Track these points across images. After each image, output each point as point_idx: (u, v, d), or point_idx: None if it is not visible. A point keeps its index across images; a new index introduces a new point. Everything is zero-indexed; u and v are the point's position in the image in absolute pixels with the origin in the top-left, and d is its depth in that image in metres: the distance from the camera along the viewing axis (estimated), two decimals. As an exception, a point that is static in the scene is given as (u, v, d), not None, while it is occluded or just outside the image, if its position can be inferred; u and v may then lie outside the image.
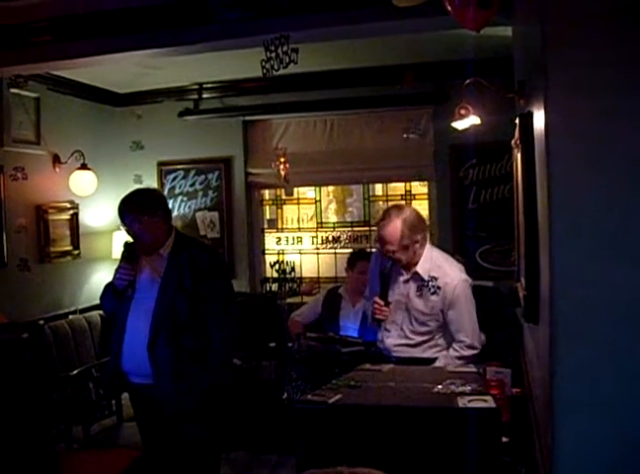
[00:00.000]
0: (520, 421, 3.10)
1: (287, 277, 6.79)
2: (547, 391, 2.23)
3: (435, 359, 3.92)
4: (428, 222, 6.77)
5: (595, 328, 2.07)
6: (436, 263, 3.97)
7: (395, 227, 3.84)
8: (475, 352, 3.88)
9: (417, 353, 3.95)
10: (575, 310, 2.09)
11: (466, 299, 3.92)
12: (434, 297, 3.90)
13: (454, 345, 3.91)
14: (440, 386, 2.73)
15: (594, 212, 2.07)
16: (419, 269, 3.94)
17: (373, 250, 6.01)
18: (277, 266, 6.84)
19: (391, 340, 4.02)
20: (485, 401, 2.51)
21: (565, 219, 2.11)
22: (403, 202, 6.60)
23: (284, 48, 2.99)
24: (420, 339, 3.97)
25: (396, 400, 2.66)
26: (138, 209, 3.66)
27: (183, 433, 3.67)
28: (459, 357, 3.85)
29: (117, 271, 3.70)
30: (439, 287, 3.88)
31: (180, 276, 3.65)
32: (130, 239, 3.77)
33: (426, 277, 3.93)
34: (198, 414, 3.63)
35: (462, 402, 2.51)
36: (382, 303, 3.95)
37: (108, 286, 3.82)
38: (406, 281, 4.00)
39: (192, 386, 3.58)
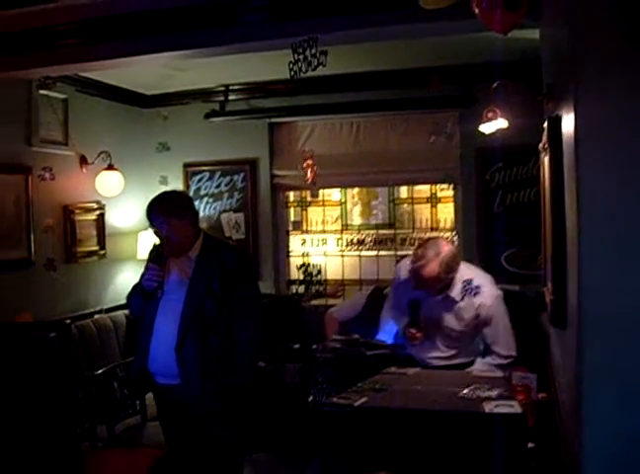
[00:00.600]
0: (546, 426, 3.08)
1: (314, 280, 6.79)
2: (574, 396, 2.21)
3: (467, 364, 3.94)
4: (453, 225, 6.78)
5: (623, 333, 2.05)
6: (467, 282, 3.94)
7: (432, 271, 3.79)
8: (509, 361, 3.88)
9: (448, 361, 3.99)
10: (603, 315, 2.07)
11: (500, 314, 3.92)
12: (467, 316, 3.90)
13: (493, 354, 3.93)
14: (465, 390, 2.72)
15: (623, 217, 2.06)
16: (452, 293, 3.93)
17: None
18: (303, 268, 6.84)
19: (424, 353, 4.05)
20: (511, 406, 2.49)
21: (594, 224, 2.10)
22: (439, 236, 6.39)
23: (313, 51, 2.98)
24: (453, 352, 4.01)
25: (422, 404, 2.64)
26: (166, 212, 3.68)
27: (207, 433, 3.68)
28: (498, 365, 3.82)
29: (145, 272, 3.71)
30: (471, 294, 3.88)
31: (208, 277, 3.66)
32: (159, 241, 3.78)
33: (458, 299, 3.92)
34: (223, 415, 3.64)
35: (488, 407, 2.50)
36: (415, 332, 3.95)
37: (135, 287, 3.84)
38: (438, 303, 3.97)
39: (219, 386, 3.59)
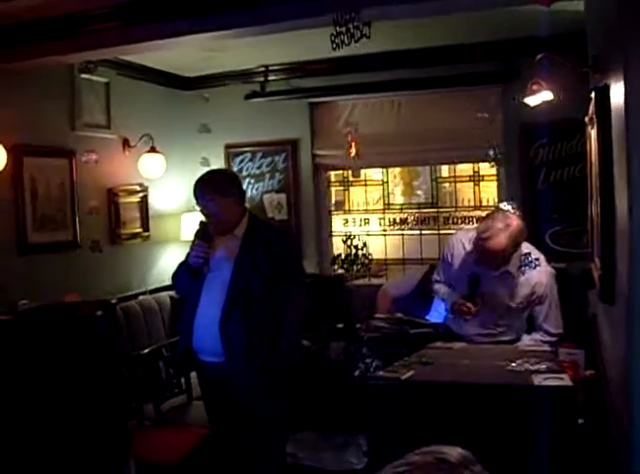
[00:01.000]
0: (595, 403, 3.04)
1: (358, 257, 6.77)
2: (623, 372, 2.17)
3: (512, 341, 3.92)
4: (496, 204, 6.69)
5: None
6: (524, 254, 3.90)
7: (500, 243, 3.71)
8: (558, 338, 3.86)
9: (498, 339, 3.95)
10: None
11: (554, 293, 3.92)
12: (523, 293, 3.87)
13: (538, 331, 3.92)
14: (513, 364, 2.69)
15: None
16: (509, 268, 3.87)
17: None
18: (348, 241, 6.83)
19: (471, 329, 4.00)
20: (561, 379, 2.46)
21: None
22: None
23: (355, 23, 2.94)
24: (502, 329, 3.98)
25: (470, 377, 2.63)
26: (213, 189, 3.71)
27: (251, 412, 3.70)
28: (544, 342, 3.81)
29: (191, 249, 3.74)
30: (529, 267, 3.86)
31: (254, 256, 3.68)
32: (205, 219, 3.80)
33: (515, 273, 3.88)
34: (266, 393, 3.66)
35: (538, 380, 2.47)
36: (472, 307, 3.86)
37: (181, 266, 3.88)
38: (493, 277, 3.91)
39: (263, 365, 3.60)
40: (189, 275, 3.77)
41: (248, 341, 3.61)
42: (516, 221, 3.79)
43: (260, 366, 3.60)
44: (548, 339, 3.85)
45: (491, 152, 6.27)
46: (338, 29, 2.91)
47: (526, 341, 3.87)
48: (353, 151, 6.33)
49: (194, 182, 3.81)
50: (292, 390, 3.89)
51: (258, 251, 3.68)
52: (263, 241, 3.72)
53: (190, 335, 3.75)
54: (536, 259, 3.90)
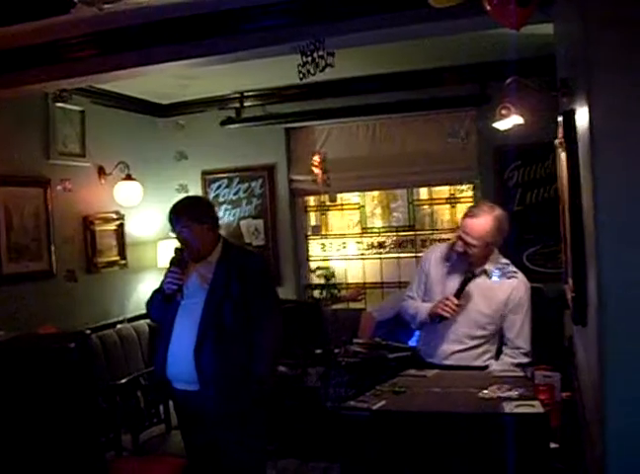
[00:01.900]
0: (571, 426, 3.04)
1: (330, 283, 6.79)
2: (597, 395, 2.18)
3: (486, 367, 3.83)
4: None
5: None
6: (503, 264, 3.91)
7: (487, 223, 3.75)
8: (528, 360, 3.79)
9: (467, 361, 3.85)
10: (623, 311, 2.04)
11: (528, 306, 3.86)
12: (498, 298, 3.83)
13: (509, 350, 3.83)
14: (485, 391, 2.68)
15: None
16: (487, 267, 3.87)
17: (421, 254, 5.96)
18: (317, 271, 6.84)
19: (444, 345, 3.91)
20: (532, 406, 2.46)
21: (612, 220, 2.08)
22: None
23: (320, 52, 2.97)
24: (473, 343, 3.87)
25: (441, 406, 2.62)
26: (188, 216, 3.71)
27: (227, 441, 3.67)
28: (516, 365, 3.74)
29: (165, 275, 3.73)
30: (506, 276, 3.84)
31: (227, 282, 3.68)
32: (179, 245, 3.80)
33: (493, 276, 3.86)
34: (242, 421, 3.63)
35: (509, 407, 2.46)
36: (455, 301, 3.79)
37: (155, 293, 3.87)
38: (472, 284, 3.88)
39: (237, 393, 3.58)
40: (163, 301, 3.75)
41: (222, 368, 3.58)
42: (501, 210, 3.86)
43: (233, 394, 3.58)
44: (519, 360, 3.78)
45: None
46: (304, 58, 2.93)
47: (497, 366, 3.78)
48: (319, 177, 6.36)
49: (168, 209, 3.81)
50: (271, 417, 3.86)
51: (232, 277, 3.68)
52: (237, 267, 3.72)
53: (164, 364, 3.73)
54: (514, 271, 3.89)
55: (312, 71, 2.96)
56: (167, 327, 3.76)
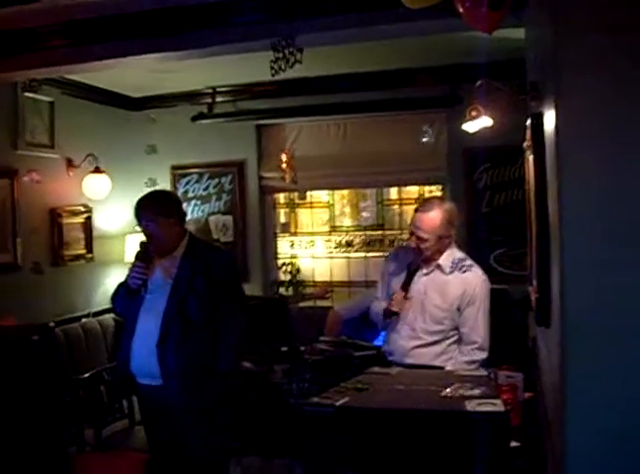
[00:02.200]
0: (533, 425, 3.08)
1: (297, 280, 6.79)
2: (558, 396, 2.20)
3: (444, 368, 3.84)
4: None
5: (605, 330, 2.05)
6: (458, 258, 3.95)
7: (436, 215, 3.83)
8: (485, 355, 3.82)
9: (426, 358, 3.86)
10: (585, 312, 2.07)
11: (485, 299, 3.88)
12: (452, 282, 3.86)
13: (464, 347, 3.85)
14: (448, 390, 2.70)
15: (604, 216, 2.06)
16: (441, 261, 3.91)
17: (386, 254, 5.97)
18: (284, 267, 6.84)
19: (402, 341, 3.93)
20: (494, 404, 2.48)
21: (575, 223, 2.11)
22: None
23: (291, 49, 2.99)
24: (431, 339, 3.88)
25: (404, 403, 2.63)
26: (154, 210, 3.70)
27: (190, 436, 3.66)
28: (469, 362, 3.79)
29: (130, 270, 3.72)
30: (460, 271, 3.87)
31: (192, 276, 3.67)
32: (145, 239, 3.78)
33: (447, 270, 3.90)
34: (205, 417, 3.63)
35: (470, 405, 2.49)
36: (403, 295, 3.88)
37: (120, 286, 3.86)
38: (425, 275, 3.94)
39: (200, 387, 3.58)
40: (128, 295, 3.73)
41: (185, 363, 3.58)
42: (450, 204, 4.03)
43: (197, 389, 3.58)
44: (471, 358, 3.80)
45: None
46: (276, 54, 2.94)
47: (451, 367, 3.79)
48: (287, 175, 6.37)
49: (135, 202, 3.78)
50: (235, 414, 3.85)
51: (196, 271, 3.68)
52: (202, 262, 3.72)
53: (128, 358, 3.71)
54: (470, 265, 3.92)
55: (283, 67, 2.97)
56: (131, 321, 3.74)
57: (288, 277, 6.66)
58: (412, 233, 3.92)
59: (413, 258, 3.96)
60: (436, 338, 3.89)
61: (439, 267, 3.92)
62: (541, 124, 2.62)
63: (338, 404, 2.59)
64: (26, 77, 5.45)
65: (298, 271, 6.78)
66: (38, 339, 3.55)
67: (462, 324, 3.86)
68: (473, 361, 3.79)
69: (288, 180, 6.32)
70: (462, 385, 2.74)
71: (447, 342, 3.90)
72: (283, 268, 6.83)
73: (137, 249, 3.77)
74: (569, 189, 2.09)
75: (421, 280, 3.94)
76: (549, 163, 2.47)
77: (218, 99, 7.07)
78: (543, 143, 2.61)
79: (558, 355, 2.19)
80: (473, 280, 3.87)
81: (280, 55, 2.91)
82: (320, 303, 6.84)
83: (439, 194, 6.88)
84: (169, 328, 3.60)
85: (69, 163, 6.31)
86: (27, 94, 5.77)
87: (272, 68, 2.97)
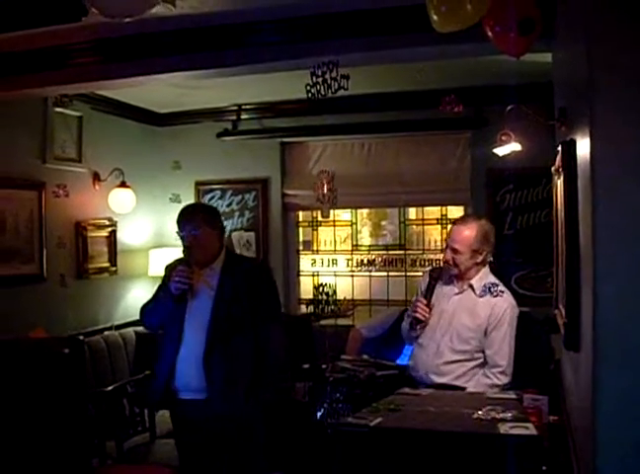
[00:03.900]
0: (558, 449, 3.07)
1: (329, 300, 6.78)
2: (589, 422, 2.20)
3: (465, 389, 3.83)
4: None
5: (639, 357, 2.05)
6: (491, 283, 3.95)
7: (472, 229, 3.90)
8: (507, 380, 3.82)
9: (449, 377, 3.86)
10: (618, 339, 2.07)
11: (512, 324, 3.88)
12: (482, 305, 3.88)
13: (487, 370, 3.85)
14: (480, 412, 2.71)
15: (639, 242, 2.06)
16: (474, 282, 3.94)
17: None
18: (320, 288, 6.83)
19: (426, 357, 3.94)
20: (526, 428, 2.49)
21: (609, 249, 2.10)
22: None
23: (333, 74, 3.01)
24: (456, 357, 3.89)
25: (437, 425, 2.64)
26: (200, 219, 3.73)
27: (226, 452, 3.66)
28: (491, 385, 3.78)
29: (173, 275, 3.66)
30: (492, 295, 3.88)
31: (233, 287, 3.69)
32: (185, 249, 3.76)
33: (478, 292, 3.92)
34: (243, 433, 3.63)
35: (504, 428, 2.50)
36: (425, 302, 3.94)
37: (152, 300, 3.86)
38: (456, 294, 3.98)
39: (246, 397, 3.60)
40: (167, 303, 3.69)
41: (231, 372, 3.59)
42: (487, 221, 4.08)
43: (242, 401, 3.59)
44: (494, 382, 3.80)
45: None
46: (314, 79, 2.96)
47: (473, 388, 3.79)
48: (327, 197, 6.35)
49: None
50: (271, 431, 3.86)
51: (238, 283, 3.69)
52: (242, 274, 3.74)
53: (172, 372, 3.68)
54: (502, 291, 3.92)
55: (323, 92, 2.99)
56: (172, 336, 3.71)
57: (318, 298, 6.63)
58: (447, 246, 3.99)
59: (454, 278, 4.00)
60: (460, 357, 3.89)
61: (471, 287, 3.95)
62: (573, 151, 2.64)
63: (372, 424, 2.61)
64: (56, 93, 5.53)
65: (335, 291, 6.77)
66: (68, 352, 3.59)
67: (488, 347, 3.86)
68: (495, 385, 3.79)
69: (327, 200, 6.29)
70: (494, 408, 2.75)
71: (472, 363, 3.90)
72: (320, 288, 6.82)
73: (181, 255, 3.79)
74: (603, 216, 2.10)
75: (452, 300, 3.98)
76: (582, 189, 2.48)
77: (243, 116, 7.13)
78: (575, 170, 2.63)
79: (589, 381, 2.19)
80: (503, 304, 3.88)
81: (320, 80, 2.92)
82: (341, 321, 6.84)
83: (461, 214, 6.88)
84: (215, 340, 3.60)
85: (96, 177, 6.38)
86: (57, 109, 5.85)
87: (308, 92, 2.97)
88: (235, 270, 3.77)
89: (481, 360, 3.90)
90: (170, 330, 3.75)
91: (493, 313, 3.85)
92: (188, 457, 3.85)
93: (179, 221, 3.77)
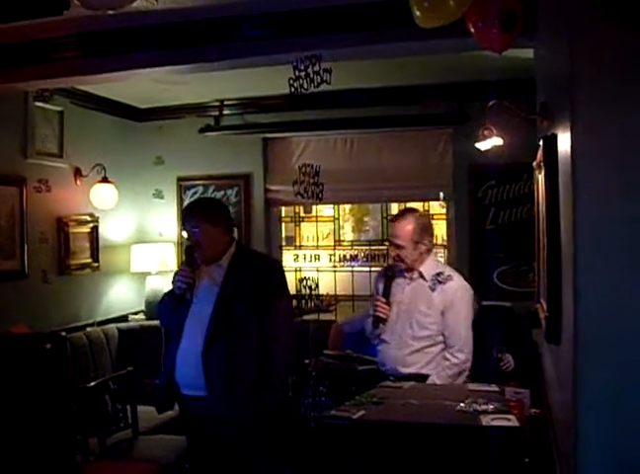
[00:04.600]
0: (540, 442, 3.10)
1: (313, 294, 6.77)
2: (570, 414, 2.22)
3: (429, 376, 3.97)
4: (445, 242, 6.83)
5: (619, 351, 2.08)
6: (439, 266, 4.20)
7: (409, 222, 4.09)
8: (464, 357, 3.97)
9: (417, 366, 4.00)
10: (599, 331, 2.10)
11: (465, 303, 4.07)
12: (436, 294, 4.03)
13: (446, 352, 4.00)
14: (462, 404, 2.73)
15: (619, 236, 2.08)
16: (423, 269, 4.11)
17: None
18: (304, 282, 6.82)
19: (392, 351, 4.09)
20: (508, 420, 2.51)
21: (590, 243, 2.13)
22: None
23: (316, 68, 3.01)
24: (420, 345, 4.03)
25: (420, 417, 2.66)
26: (200, 217, 3.71)
27: (233, 449, 3.64)
28: (451, 366, 3.95)
29: (175, 275, 3.70)
30: (441, 283, 4.04)
31: (239, 283, 3.65)
32: (191, 245, 3.77)
33: (429, 278, 4.08)
34: (249, 430, 3.59)
35: (486, 420, 2.52)
36: (384, 301, 4.10)
37: (166, 295, 3.86)
38: (408, 284, 4.14)
39: (245, 398, 3.56)
40: (173, 302, 3.70)
41: (230, 371, 3.54)
42: (421, 213, 4.50)
43: (240, 401, 3.55)
44: (454, 360, 3.95)
45: (441, 194, 6.47)
46: (297, 73, 2.96)
47: (435, 376, 3.94)
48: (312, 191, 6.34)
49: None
50: (280, 426, 3.84)
51: (244, 279, 3.65)
52: (249, 269, 3.71)
53: (173, 368, 3.68)
54: (449, 275, 4.10)
55: (306, 86, 2.99)
56: (177, 330, 3.71)
57: (301, 293, 6.64)
58: (391, 243, 4.19)
59: (404, 271, 4.16)
60: (423, 343, 4.04)
61: (421, 275, 4.11)
62: (555, 146, 2.65)
63: (355, 417, 2.62)
64: (37, 87, 5.49)
65: (317, 285, 6.77)
66: (50, 347, 3.57)
67: (445, 328, 4.03)
68: (454, 365, 3.95)
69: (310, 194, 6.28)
70: (476, 400, 2.77)
71: (435, 349, 4.04)
72: (303, 282, 6.81)
73: (184, 254, 3.80)
74: (584, 209, 2.12)
75: (405, 290, 4.15)
76: (563, 183, 2.50)
77: (226, 111, 7.12)
78: (556, 165, 2.64)
79: (570, 374, 2.21)
80: (454, 286, 4.06)
81: (303, 74, 2.93)
82: (323, 316, 6.84)
83: (443, 210, 6.93)
84: (215, 334, 3.57)
85: (77, 172, 6.34)
86: (37, 103, 5.81)
87: (291, 86, 2.98)
88: (243, 266, 3.72)
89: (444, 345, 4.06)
90: (174, 325, 3.74)
91: (445, 296, 4.03)
92: (198, 452, 3.84)
93: (182, 219, 3.79)
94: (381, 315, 4.08)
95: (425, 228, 4.14)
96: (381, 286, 4.21)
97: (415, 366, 4.00)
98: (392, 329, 4.10)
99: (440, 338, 4.03)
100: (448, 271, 4.17)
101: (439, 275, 4.07)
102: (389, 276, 4.18)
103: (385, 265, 5.63)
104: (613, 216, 2.09)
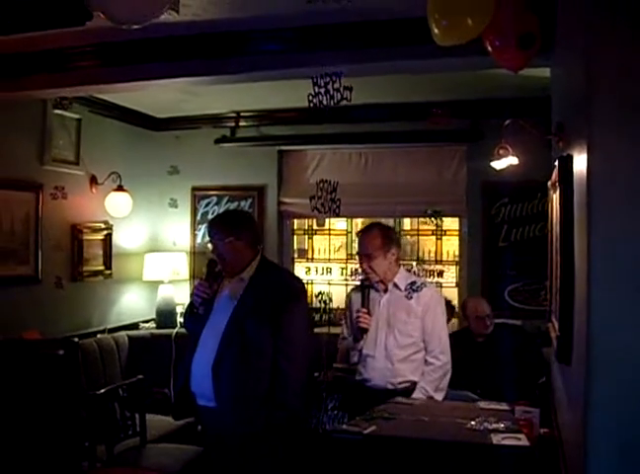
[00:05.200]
0: (549, 462, 3.09)
1: (327, 308, 6.76)
2: (579, 435, 2.21)
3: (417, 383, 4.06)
4: (457, 259, 6.82)
5: (632, 371, 2.07)
6: (412, 276, 4.42)
7: (376, 233, 4.26)
8: (446, 359, 4.13)
9: (405, 374, 4.10)
10: (611, 353, 2.09)
11: (441, 308, 4.28)
12: (413, 301, 4.18)
13: (427, 356, 4.15)
14: (473, 422, 2.73)
15: (633, 257, 2.08)
16: (397, 280, 4.25)
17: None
18: (319, 296, 6.82)
19: (378, 364, 4.16)
20: (519, 439, 2.51)
21: (604, 264, 2.12)
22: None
23: (336, 85, 3.02)
24: (405, 353, 4.14)
25: (431, 434, 2.67)
26: (224, 230, 3.70)
27: (241, 463, 3.58)
28: (436, 369, 4.09)
29: (195, 287, 3.73)
30: (416, 291, 4.18)
31: (257, 299, 3.60)
32: (214, 258, 3.77)
33: (404, 287, 4.21)
34: (257, 444, 3.53)
35: (496, 439, 2.52)
36: (366, 311, 4.17)
37: (188, 306, 3.87)
38: (382, 297, 4.26)
39: (253, 413, 3.50)
40: (191, 313, 3.75)
41: (239, 385, 3.50)
42: (385, 224, 4.71)
43: (249, 415, 3.50)
44: (436, 363, 4.09)
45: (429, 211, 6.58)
46: (317, 89, 2.97)
47: (419, 391, 3.99)
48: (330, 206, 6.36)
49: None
50: (294, 442, 3.78)
51: (262, 294, 3.61)
52: (269, 284, 3.66)
53: (188, 377, 3.67)
54: (422, 283, 4.29)
55: (325, 103, 3.00)
56: (194, 342, 3.71)
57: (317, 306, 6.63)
58: (360, 257, 4.29)
59: (376, 283, 4.28)
60: (409, 351, 4.17)
61: (396, 285, 4.25)
62: (570, 167, 2.65)
63: (366, 432, 2.62)
64: (56, 95, 5.55)
65: (331, 299, 6.77)
66: (63, 353, 3.58)
67: (424, 333, 4.17)
68: (439, 367, 4.10)
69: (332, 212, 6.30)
70: (487, 419, 2.77)
71: (421, 355, 4.17)
72: (320, 296, 6.80)
73: (207, 268, 3.79)
74: (598, 230, 2.12)
75: (382, 303, 4.26)
76: (578, 204, 2.50)
77: (242, 123, 7.16)
78: (571, 185, 2.64)
79: (581, 394, 2.20)
80: (427, 292, 4.24)
81: (322, 90, 2.94)
82: (333, 330, 6.83)
83: (456, 226, 6.93)
84: (226, 350, 3.54)
85: (93, 180, 6.39)
86: (56, 111, 5.87)
87: (310, 102, 2.99)
88: (264, 282, 3.68)
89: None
90: (193, 336, 3.75)
91: (421, 301, 4.18)
92: (209, 463, 3.85)
93: (208, 232, 3.82)
94: (364, 325, 4.15)
95: (390, 237, 4.30)
96: (359, 299, 4.28)
97: (404, 376, 4.11)
98: (376, 343, 4.20)
99: (422, 344, 4.17)
100: (420, 280, 4.38)
101: (412, 284, 4.22)
102: (365, 284, 4.27)
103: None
104: (628, 238, 2.09)
